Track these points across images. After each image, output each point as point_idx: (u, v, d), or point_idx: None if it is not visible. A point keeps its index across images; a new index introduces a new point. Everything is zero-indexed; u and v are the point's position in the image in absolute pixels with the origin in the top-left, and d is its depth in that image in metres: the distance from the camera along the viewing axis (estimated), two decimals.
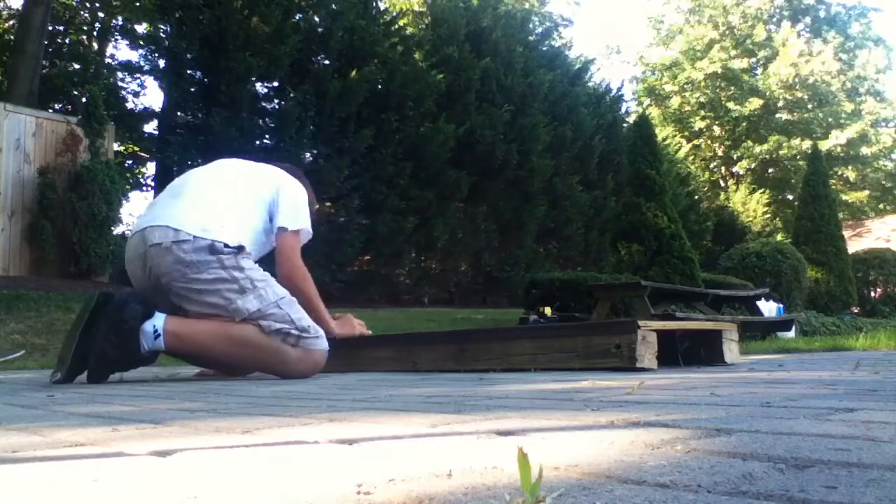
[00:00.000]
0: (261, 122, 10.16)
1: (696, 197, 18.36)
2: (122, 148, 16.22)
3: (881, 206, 27.62)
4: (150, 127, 16.44)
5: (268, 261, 2.62)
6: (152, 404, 1.47)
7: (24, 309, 6.66)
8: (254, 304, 2.33)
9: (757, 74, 27.33)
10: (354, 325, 2.81)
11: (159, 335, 2.26)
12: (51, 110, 12.04)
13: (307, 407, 1.28)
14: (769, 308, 7.31)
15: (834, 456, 0.61)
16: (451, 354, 2.59)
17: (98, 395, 1.81)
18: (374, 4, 11.61)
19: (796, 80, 25.80)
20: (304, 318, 2.40)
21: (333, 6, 10.60)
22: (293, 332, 2.35)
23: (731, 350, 2.53)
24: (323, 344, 2.43)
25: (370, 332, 2.90)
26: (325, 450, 0.75)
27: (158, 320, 2.28)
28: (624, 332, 2.17)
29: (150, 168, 17.30)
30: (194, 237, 2.33)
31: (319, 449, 0.76)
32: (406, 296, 11.44)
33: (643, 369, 2.10)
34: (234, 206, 2.49)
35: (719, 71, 26.21)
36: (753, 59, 27.42)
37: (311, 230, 2.64)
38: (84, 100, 10.59)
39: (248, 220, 2.50)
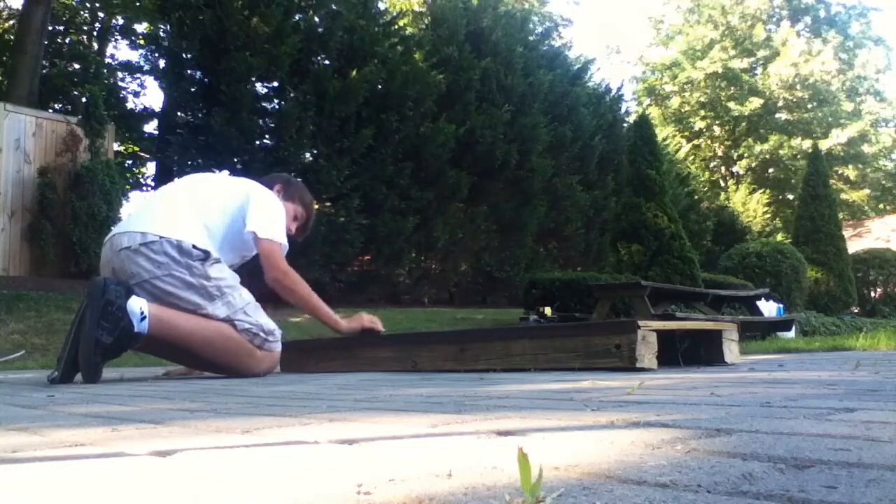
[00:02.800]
0: (261, 122, 10.15)
1: (696, 197, 18.32)
2: (122, 148, 16.24)
3: (881, 205, 27.63)
4: (150, 127, 16.49)
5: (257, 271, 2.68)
6: (152, 404, 1.47)
7: (24, 309, 6.67)
8: (223, 310, 2.47)
9: (757, 74, 27.33)
10: (364, 319, 2.84)
11: (145, 317, 2.29)
12: (51, 110, 12.05)
13: (307, 407, 1.28)
14: (769, 308, 7.31)
15: (834, 456, 0.61)
16: (451, 354, 2.58)
17: (98, 395, 1.81)
18: (374, 4, 11.60)
19: (796, 79, 25.81)
20: (269, 322, 2.59)
21: (333, 6, 10.59)
22: (260, 334, 2.53)
23: (731, 350, 2.53)
24: (280, 346, 2.63)
25: (382, 328, 2.89)
26: (325, 450, 0.75)
27: (142, 302, 2.32)
28: (624, 332, 2.17)
29: (150, 168, 17.34)
30: (160, 237, 2.43)
31: (319, 449, 0.76)
32: (406, 296, 11.42)
33: (643, 369, 2.10)
34: (200, 213, 2.58)
35: (719, 71, 26.21)
36: (753, 59, 27.42)
37: (286, 243, 2.70)
38: (84, 100, 10.58)
39: (215, 226, 2.59)
